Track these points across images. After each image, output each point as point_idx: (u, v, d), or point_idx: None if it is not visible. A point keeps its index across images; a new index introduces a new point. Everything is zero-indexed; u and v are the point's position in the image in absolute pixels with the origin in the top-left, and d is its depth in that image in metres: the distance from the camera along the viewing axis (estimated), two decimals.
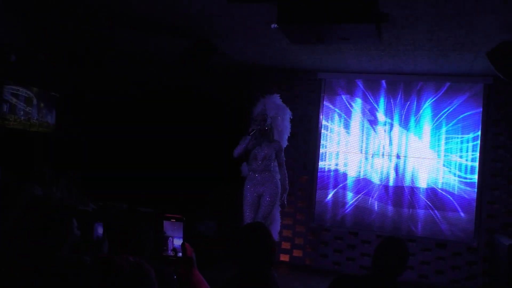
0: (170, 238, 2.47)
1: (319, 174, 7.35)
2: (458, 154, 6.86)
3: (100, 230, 3.33)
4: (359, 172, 7.21)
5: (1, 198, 5.30)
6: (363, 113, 7.23)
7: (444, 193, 6.85)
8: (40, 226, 2.85)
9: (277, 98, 5.97)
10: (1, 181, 5.33)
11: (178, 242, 2.44)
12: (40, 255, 2.73)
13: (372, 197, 7.11)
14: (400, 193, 7.02)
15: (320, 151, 7.36)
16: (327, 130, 7.38)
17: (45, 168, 5.94)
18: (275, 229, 5.74)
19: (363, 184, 7.18)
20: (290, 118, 6.04)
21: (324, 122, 7.38)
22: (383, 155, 7.12)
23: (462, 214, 6.76)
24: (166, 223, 2.47)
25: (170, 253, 2.47)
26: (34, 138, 6.75)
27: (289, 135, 6.08)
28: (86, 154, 7.36)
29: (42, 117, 6.88)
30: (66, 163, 6.78)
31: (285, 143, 6.02)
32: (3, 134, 6.15)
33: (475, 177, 6.75)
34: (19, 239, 2.83)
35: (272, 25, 4.49)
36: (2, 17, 5.80)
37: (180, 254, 2.40)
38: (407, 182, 7.00)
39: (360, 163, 7.22)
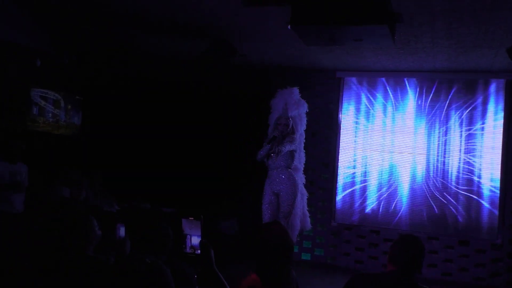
0: (188, 236, 2.54)
1: (340, 172, 7.36)
2: (481, 150, 6.78)
3: (122, 231, 3.42)
4: (381, 170, 7.19)
5: (29, 199, 5.46)
6: (384, 110, 7.21)
7: (466, 190, 6.78)
8: (64, 226, 2.97)
9: (296, 92, 5.92)
10: (29, 182, 5.49)
11: (196, 240, 2.51)
12: (65, 255, 2.84)
13: (394, 195, 7.09)
14: (422, 191, 6.97)
15: (341, 149, 7.36)
16: (347, 128, 7.38)
17: (72, 169, 6.10)
18: (293, 234, 5.66)
19: (385, 182, 7.16)
20: (306, 111, 6.00)
21: (344, 120, 7.38)
22: (404, 152, 7.09)
23: (485, 210, 6.69)
24: (184, 221, 2.55)
25: (189, 250, 2.54)
26: (61, 139, 6.93)
27: (305, 127, 5.96)
28: (111, 155, 7.51)
29: (69, 119, 7.07)
30: (92, 164, 6.94)
31: (302, 135, 5.98)
32: (32, 136, 6.34)
33: (499, 173, 6.66)
34: (46, 239, 2.94)
35: (289, 26, 4.53)
36: (27, 23, 5.98)
37: (199, 251, 2.47)
38: (430, 179, 6.95)
39: (382, 160, 7.20)
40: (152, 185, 7.31)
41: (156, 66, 7.69)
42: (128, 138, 7.73)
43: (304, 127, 5.99)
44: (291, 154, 5.61)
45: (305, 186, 7.26)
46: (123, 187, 6.87)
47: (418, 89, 7.06)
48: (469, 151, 6.83)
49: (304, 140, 6.05)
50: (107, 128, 7.57)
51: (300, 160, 5.92)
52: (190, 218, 2.55)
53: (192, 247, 2.53)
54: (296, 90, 5.96)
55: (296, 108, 5.82)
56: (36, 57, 6.22)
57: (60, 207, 5.43)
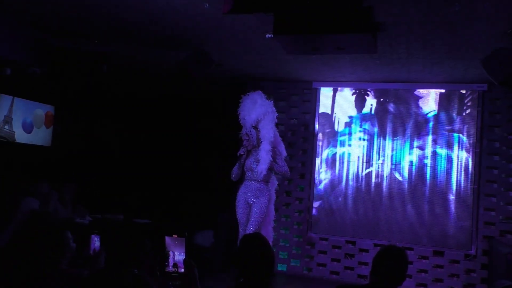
0: (172, 253, 2.45)
1: (316, 183, 7.35)
2: (453, 161, 6.87)
3: (97, 243, 3.30)
4: (357, 181, 7.21)
5: None
6: (359, 121, 7.25)
7: (441, 200, 6.85)
8: (38, 240, 2.83)
9: (246, 100, 5.79)
10: None
11: (179, 257, 2.43)
12: (38, 270, 2.71)
13: (371, 205, 7.10)
14: (399, 201, 7.00)
15: (317, 159, 7.36)
16: (323, 139, 7.39)
17: (40, 180, 5.92)
18: None
19: (361, 193, 7.17)
20: (273, 111, 5.77)
21: (320, 131, 7.39)
22: (378, 163, 7.13)
23: (459, 221, 6.76)
24: (167, 239, 2.47)
25: (171, 269, 2.45)
26: (32, 151, 6.74)
27: (272, 136, 5.64)
28: (82, 166, 7.35)
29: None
30: (62, 176, 6.76)
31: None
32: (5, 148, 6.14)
33: (472, 184, 6.75)
34: (17, 253, 2.79)
35: (267, 35, 4.50)
36: None
37: (182, 270, 2.38)
38: (405, 191, 7.00)
39: (358, 171, 7.22)
40: (125, 197, 7.17)
41: (131, 77, 7.56)
42: (101, 150, 7.59)
43: (274, 128, 5.79)
44: (270, 168, 5.60)
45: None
46: (96, 199, 6.71)
47: (392, 100, 7.13)
48: (441, 161, 6.90)
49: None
50: (78, 139, 7.42)
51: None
52: (174, 235, 2.47)
53: (175, 264, 2.44)
54: (245, 100, 5.85)
55: (254, 114, 5.70)
56: (6, 66, 6.04)
57: (31, 220, 5.23)
